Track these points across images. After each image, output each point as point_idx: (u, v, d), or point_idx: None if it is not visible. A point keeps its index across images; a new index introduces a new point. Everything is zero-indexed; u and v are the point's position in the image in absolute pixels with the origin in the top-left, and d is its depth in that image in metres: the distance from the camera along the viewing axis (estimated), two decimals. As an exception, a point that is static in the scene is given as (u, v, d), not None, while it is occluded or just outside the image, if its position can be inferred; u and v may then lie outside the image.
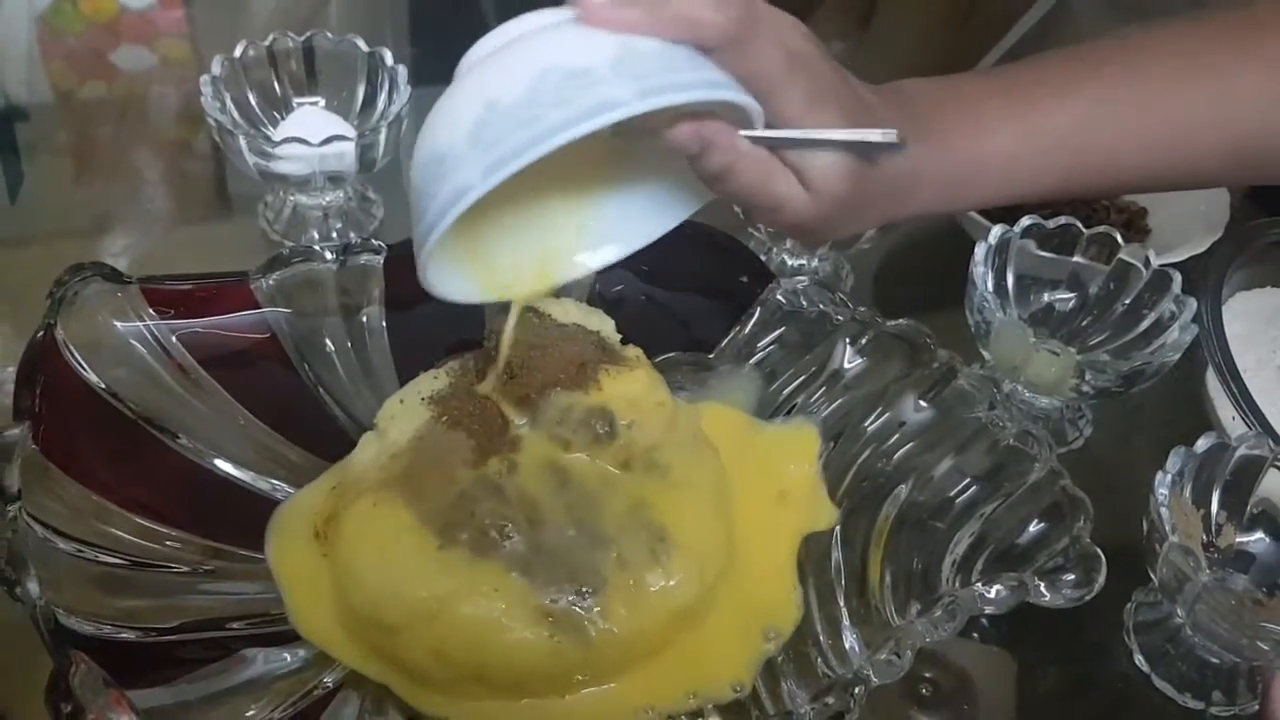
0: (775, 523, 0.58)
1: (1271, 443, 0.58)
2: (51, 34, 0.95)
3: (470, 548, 0.50)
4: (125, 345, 0.57)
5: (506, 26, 0.46)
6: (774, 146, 0.49)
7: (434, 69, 0.98)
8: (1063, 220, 0.68)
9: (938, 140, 0.54)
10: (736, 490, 0.58)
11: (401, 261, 0.62)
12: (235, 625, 0.51)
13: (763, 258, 0.67)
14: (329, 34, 0.76)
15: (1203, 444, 0.57)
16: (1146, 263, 0.67)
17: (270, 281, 0.60)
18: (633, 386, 0.54)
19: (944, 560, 0.55)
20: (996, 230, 0.67)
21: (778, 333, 0.64)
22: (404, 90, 0.74)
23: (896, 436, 0.60)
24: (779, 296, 0.64)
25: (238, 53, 0.74)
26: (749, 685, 0.52)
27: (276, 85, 0.77)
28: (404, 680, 0.50)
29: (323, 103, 0.78)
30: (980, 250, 0.66)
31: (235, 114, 0.74)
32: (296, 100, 0.77)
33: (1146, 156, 0.58)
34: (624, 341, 0.58)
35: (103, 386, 0.55)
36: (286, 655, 0.51)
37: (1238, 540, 0.59)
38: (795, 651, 0.53)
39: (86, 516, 0.51)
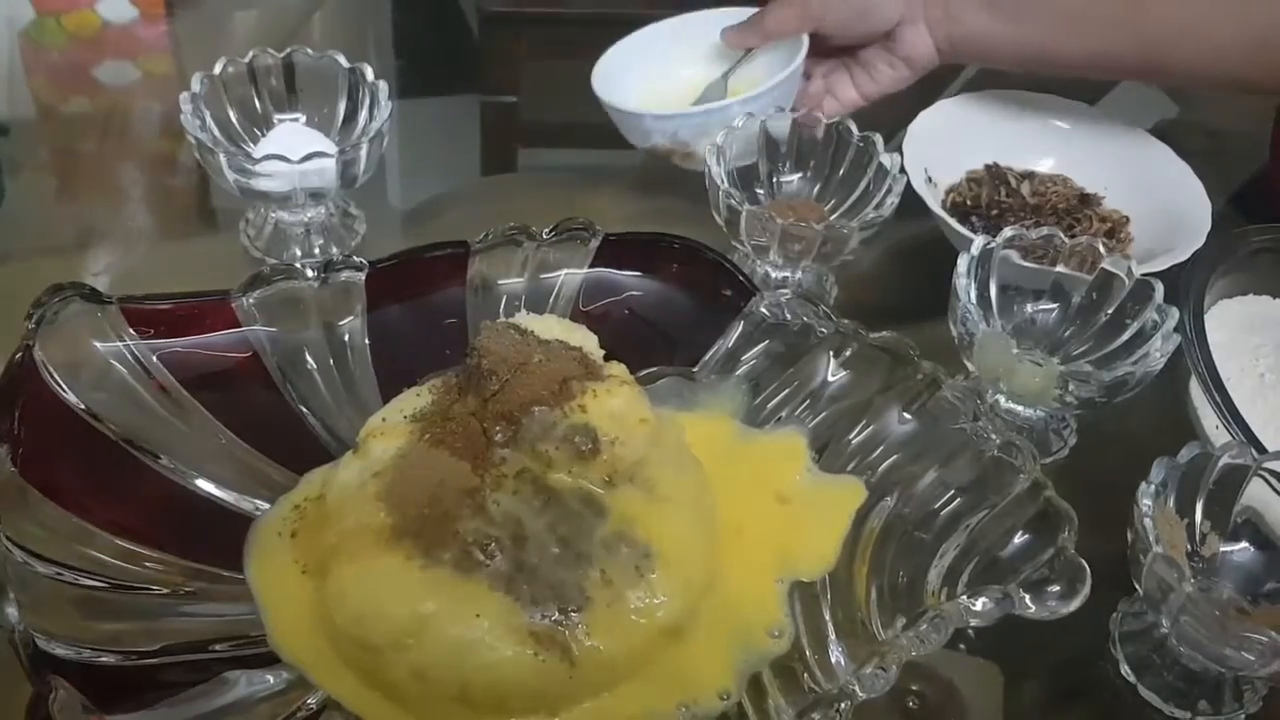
0: (772, 526, 0.58)
1: (1254, 452, 0.58)
2: (34, 49, 0.95)
3: (454, 567, 0.50)
4: (105, 366, 0.57)
5: None
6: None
7: (418, 82, 0.99)
8: (1045, 231, 0.68)
9: None
10: (728, 497, 0.58)
11: (383, 278, 0.62)
12: (217, 647, 0.50)
13: (746, 271, 0.67)
14: (309, 50, 0.76)
15: (1186, 454, 0.57)
16: (1129, 272, 0.67)
17: (251, 300, 0.60)
18: (615, 403, 0.54)
19: (929, 573, 0.55)
20: (979, 241, 0.67)
21: (761, 346, 0.64)
22: (385, 106, 0.73)
23: (881, 449, 0.60)
24: (762, 309, 0.64)
25: (217, 70, 0.74)
26: (735, 693, 0.52)
27: (257, 102, 0.76)
28: (385, 703, 0.50)
29: (304, 119, 0.77)
30: (963, 261, 0.66)
31: (215, 131, 0.73)
32: (277, 117, 0.77)
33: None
34: (607, 357, 0.58)
35: (83, 407, 0.55)
36: (269, 677, 0.50)
37: (1222, 549, 0.59)
38: (781, 666, 0.53)
39: (66, 539, 0.51)
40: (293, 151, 0.69)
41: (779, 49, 0.84)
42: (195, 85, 0.73)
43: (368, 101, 0.75)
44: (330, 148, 0.72)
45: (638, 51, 0.87)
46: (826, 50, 0.84)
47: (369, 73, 0.75)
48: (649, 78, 0.87)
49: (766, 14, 0.81)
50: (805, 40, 0.81)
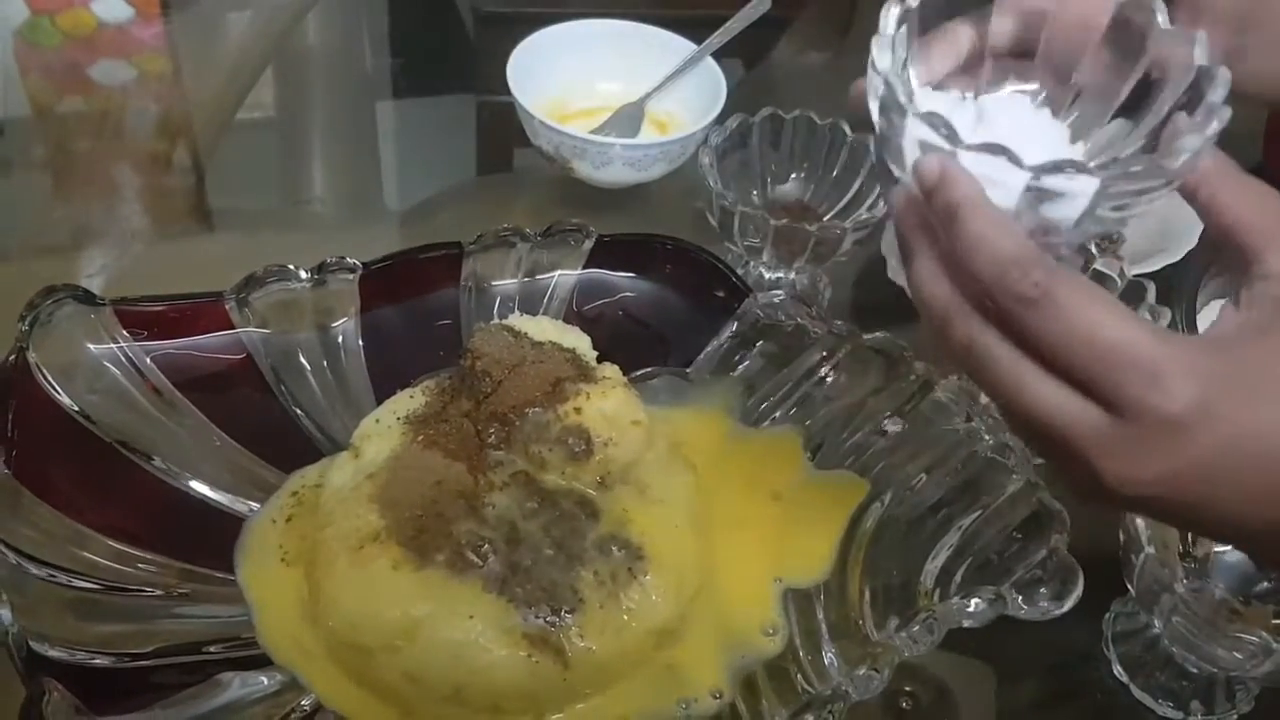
0: (768, 525, 0.58)
1: (1246, 452, 0.58)
2: (29, 49, 0.94)
3: (447, 568, 0.50)
4: (99, 367, 0.56)
5: None
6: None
7: (413, 82, 0.99)
8: (1038, 231, 0.68)
9: None
10: (724, 495, 0.58)
11: (377, 279, 0.62)
12: (211, 649, 0.50)
13: (739, 271, 0.67)
14: None
15: (1177, 454, 0.57)
16: (1121, 273, 0.67)
17: (245, 302, 0.60)
18: (608, 404, 0.54)
19: (923, 573, 0.55)
20: (972, 242, 0.67)
21: (755, 347, 0.64)
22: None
23: (874, 450, 0.60)
24: (756, 310, 0.64)
25: None
26: (729, 693, 0.52)
27: None
28: (378, 705, 0.50)
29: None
30: (956, 262, 0.66)
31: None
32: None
33: None
34: (600, 358, 0.58)
35: (76, 409, 0.55)
36: (263, 678, 0.50)
37: (1214, 550, 0.59)
38: (774, 668, 0.53)
39: (60, 541, 0.51)
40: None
41: (701, 84, 0.83)
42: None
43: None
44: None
45: (564, 44, 0.85)
46: None
47: None
48: (570, 73, 0.85)
49: None
50: (724, 91, 0.80)
